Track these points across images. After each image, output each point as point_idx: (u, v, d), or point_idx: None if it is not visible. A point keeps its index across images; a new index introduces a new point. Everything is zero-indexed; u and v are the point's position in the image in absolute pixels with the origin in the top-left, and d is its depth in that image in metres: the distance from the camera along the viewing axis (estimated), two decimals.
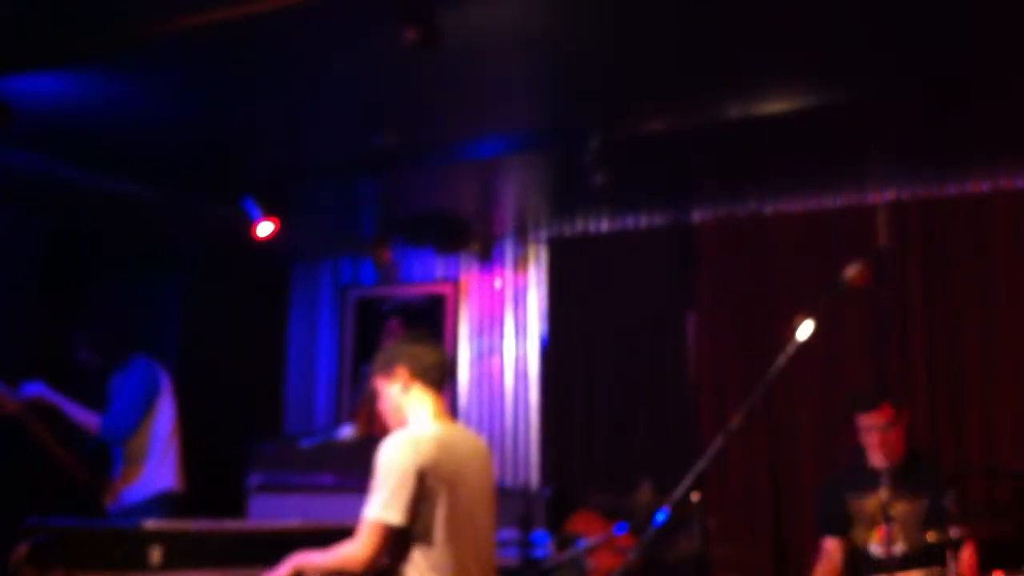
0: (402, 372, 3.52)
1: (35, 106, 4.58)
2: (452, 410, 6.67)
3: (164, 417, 5.16)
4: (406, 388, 3.52)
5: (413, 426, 3.48)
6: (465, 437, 3.65)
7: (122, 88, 4.59)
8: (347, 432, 3.80)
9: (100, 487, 5.10)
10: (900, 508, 4.35)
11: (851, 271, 3.39)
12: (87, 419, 5.09)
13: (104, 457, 5.16)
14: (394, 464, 3.28)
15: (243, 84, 4.54)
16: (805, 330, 3.24)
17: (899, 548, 4.32)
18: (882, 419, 4.53)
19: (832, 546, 4.56)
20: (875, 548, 4.40)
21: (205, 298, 6.21)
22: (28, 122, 4.55)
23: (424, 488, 3.28)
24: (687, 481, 3.14)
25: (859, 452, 4.63)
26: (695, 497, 3.18)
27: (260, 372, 6.98)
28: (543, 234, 6.78)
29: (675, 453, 5.67)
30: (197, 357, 5.62)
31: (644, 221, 6.47)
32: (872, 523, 4.43)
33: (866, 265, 3.39)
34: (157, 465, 5.11)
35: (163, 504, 5.02)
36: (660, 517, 3.23)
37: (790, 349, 3.23)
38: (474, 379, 6.89)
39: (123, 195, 5.58)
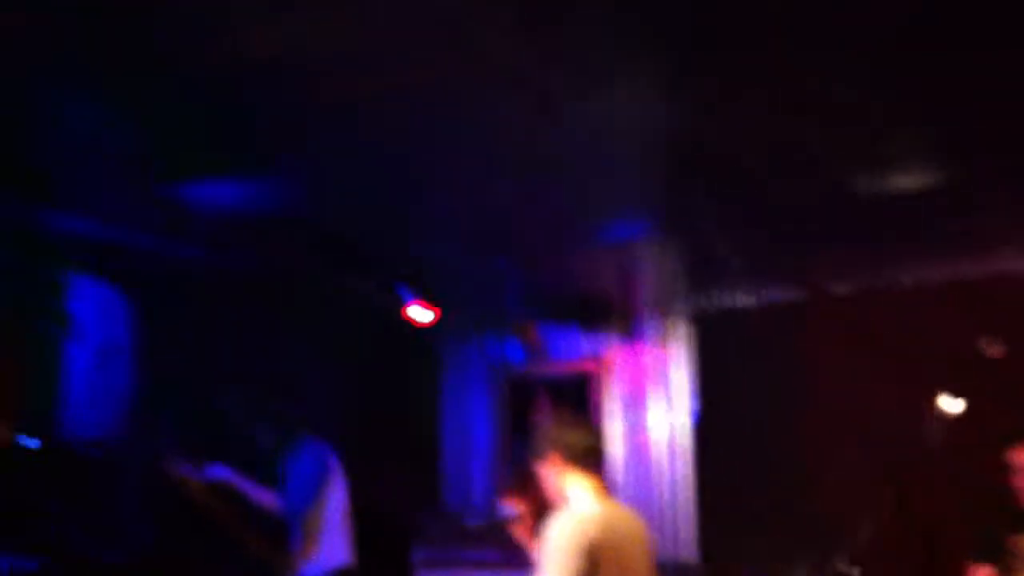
0: (554, 458, 3.64)
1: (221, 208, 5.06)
2: (608, 484, 6.84)
3: (337, 496, 5.45)
4: (560, 473, 3.63)
5: (575, 505, 3.58)
6: (625, 516, 3.74)
7: (289, 189, 5.00)
8: (510, 511, 3.99)
9: (281, 563, 5.41)
10: None
11: (990, 345, 3.48)
12: (268, 499, 5.42)
13: (282, 535, 5.44)
14: (562, 542, 3.39)
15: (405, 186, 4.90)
16: (953, 406, 3.35)
17: None
18: None
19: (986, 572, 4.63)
20: None
21: (364, 379, 6.51)
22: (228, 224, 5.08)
23: (591, 566, 3.36)
24: (844, 555, 3.25)
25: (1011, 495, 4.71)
26: (854, 573, 3.27)
27: (417, 450, 7.24)
28: (684, 308, 6.91)
29: (832, 527, 5.68)
30: (359, 435, 5.87)
31: (786, 295, 6.56)
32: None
33: (1005, 339, 3.48)
34: (332, 542, 5.38)
35: None
36: None
37: (939, 424, 3.34)
38: (626, 454, 7.00)
39: (289, 283, 6.01)
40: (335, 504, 5.43)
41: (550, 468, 3.66)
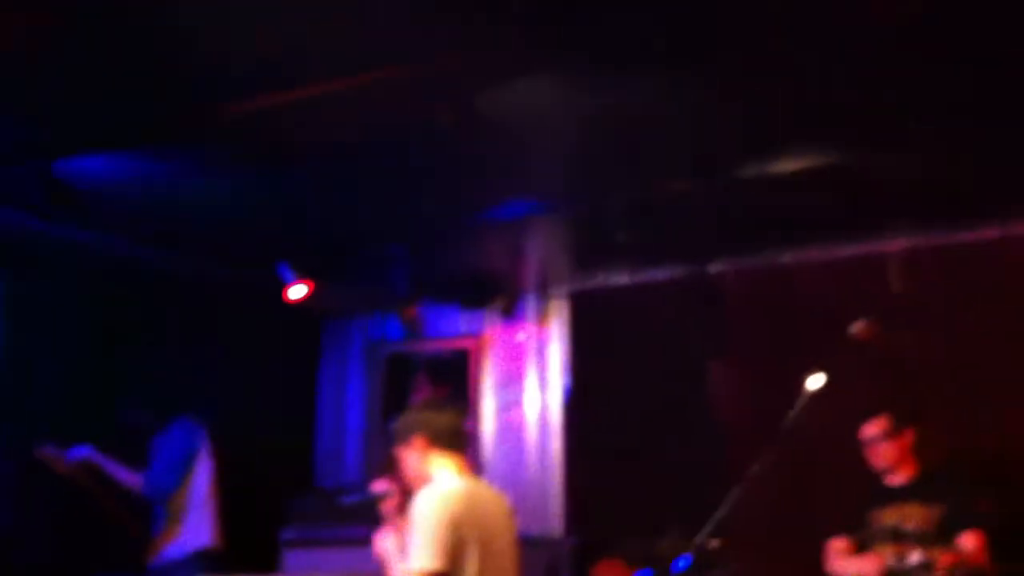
0: (419, 441, 3.70)
1: (90, 184, 4.85)
2: (476, 461, 6.86)
3: (203, 476, 5.41)
4: (424, 455, 3.70)
5: (440, 482, 3.64)
6: (489, 492, 3.83)
7: (172, 167, 4.86)
8: (382, 489, 3.97)
9: (145, 543, 5.33)
10: (915, 518, 4.57)
11: (857, 327, 3.57)
12: (130, 479, 5.38)
13: (146, 515, 5.40)
14: (431, 516, 3.45)
15: (287, 162, 4.80)
16: (816, 383, 3.41)
17: (915, 558, 4.45)
18: (878, 428, 4.88)
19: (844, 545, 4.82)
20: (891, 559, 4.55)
21: (239, 357, 6.40)
22: (83, 200, 4.83)
23: (457, 538, 3.44)
24: (708, 528, 3.29)
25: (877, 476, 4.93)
26: (716, 544, 3.33)
27: (292, 427, 7.16)
28: (565, 289, 6.96)
29: (700, 501, 5.78)
30: (231, 414, 5.79)
31: (664, 274, 6.64)
32: (888, 536, 4.61)
33: (872, 321, 3.56)
34: (196, 523, 5.34)
35: (201, 561, 5.25)
36: (682, 564, 3.37)
37: (803, 401, 3.39)
38: (498, 431, 7.05)
39: (168, 265, 5.90)
40: (201, 484, 5.38)
41: (415, 451, 3.71)
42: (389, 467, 3.98)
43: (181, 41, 3.54)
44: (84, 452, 5.29)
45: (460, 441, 3.77)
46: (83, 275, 5.82)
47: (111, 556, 5.32)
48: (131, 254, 5.82)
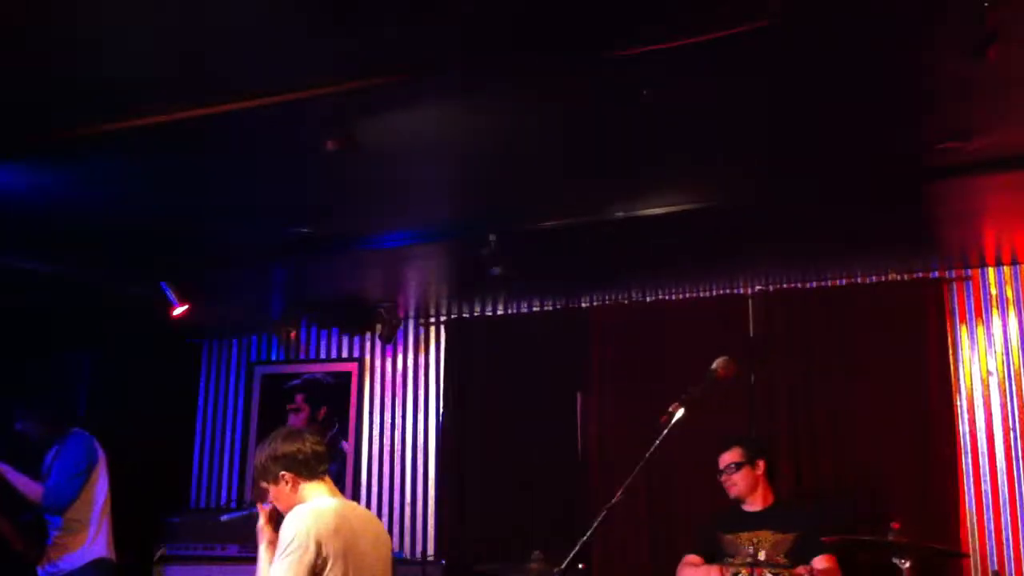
0: (287, 477, 3.74)
1: None
2: (356, 482, 7.00)
3: (100, 488, 5.42)
4: (295, 487, 3.74)
5: (311, 503, 3.71)
6: (360, 512, 3.95)
7: (50, 179, 4.80)
8: (257, 508, 4.06)
9: (36, 554, 5.29)
10: (769, 543, 4.91)
11: (718, 364, 3.84)
12: (29, 489, 5.34)
13: (40, 525, 5.36)
14: (296, 533, 3.52)
15: (168, 178, 4.79)
16: (677, 414, 3.67)
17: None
18: (732, 458, 5.22)
19: (695, 559, 5.12)
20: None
21: (118, 373, 6.40)
22: None
23: (323, 554, 3.51)
24: (573, 552, 3.50)
25: (734, 502, 5.25)
26: (582, 567, 3.55)
27: (170, 445, 7.17)
28: (442, 317, 7.15)
29: (565, 526, 6.03)
30: (111, 430, 5.80)
31: (538, 306, 6.92)
32: (740, 556, 4.92)
33: (730, 359, 3.85)
34: (93, 534, 5.36)
35: (98, 570, 5.31)
36: None
37: (665, 433, 3.64)
38: (375, 453, 7.19)
39: (48, 276, 5.81)
40: (98, 496, 5.40)
41: (284, 485, 3.74)
42: (263, 492, 4.06)
43: (65, 55, 3.56)
44: None
45: (323, 464, 3.81)
46: None
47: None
48: (16, 265, 5.75)
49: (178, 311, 6.04)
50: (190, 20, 3.34)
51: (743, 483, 5.21)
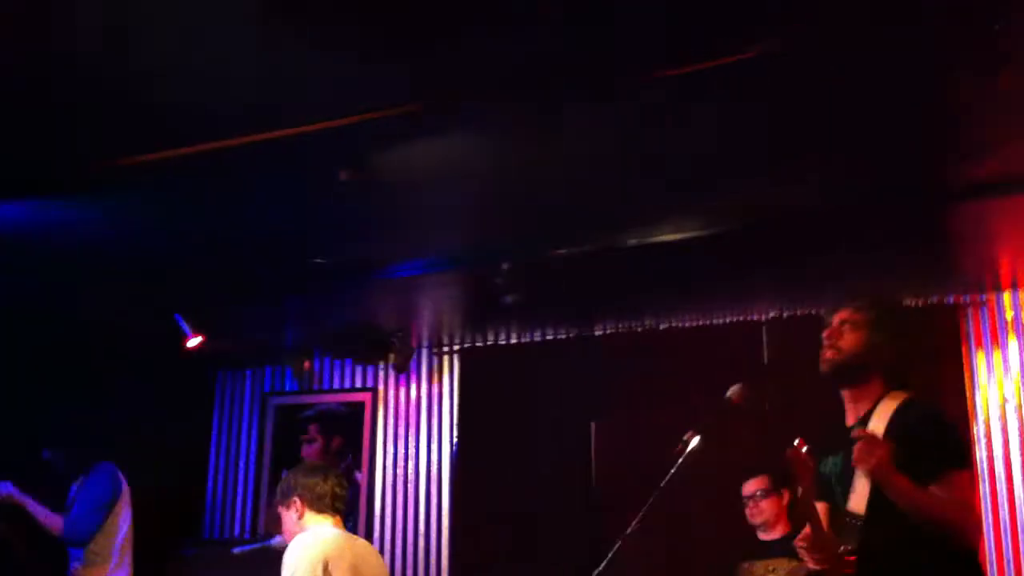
0: (296, 503, 3.95)
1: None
2: (369, 512, 6.98)
3: (123, 521, 5.43)
4: (301, 515, 3.94)
5: (314, 531, 3.89)
6: (360, 542, 4.09)
7: (69, 214, 4.85)
8: (278, 540, 4.12)
9: None
10: (784, 569, 4.86)
11: (733, 391, 3.82)
12: (50, 521, 5.35)
13: (55, 556, 5.37)
14: (300, 559, 3.68)
15: (179, 210, 4.83)
16: (692, 444, 3.65)
17: None
18: (760, 485, 5.16)
19: None
20: None
21: (133, 405, 6.41)
22: None
23: (331, 574, 3.66)
24: None
25: (750, 531, 5.22)
26: None
27: (184, 476, 7.17)
28: (456, 343, 7.14)
29: (580, 556, 5.98)
30: (126, 461, 5.80)
31: (552, 334, 6.91)
32: None
33: (746, 385, 3.83)
34: (113, 568, 5.35)
35: None
36: None
37: (680, 461, 3.62)
38: (389, 483, 7.17)
39: (73, 308, 5.89)
40: (121, 530, 5.39)
41: (294, 511, 3.96)
42: (276, 521, 4.15)
43: (80, 92, 3.60)
44: (5, 489, 5.25)
45: (337, 505, 3.99)
46: None
47: None
48: (37, 297, 5.82)
49: (192, 343, 6.06)
50: (200, 55, 3.38)
51: (770, 510, 5.19)
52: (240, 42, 3.33)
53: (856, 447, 3.14)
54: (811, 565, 3.33)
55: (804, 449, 3.30)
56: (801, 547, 3.30)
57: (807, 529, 3.48)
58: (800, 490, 3.24)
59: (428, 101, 3.72)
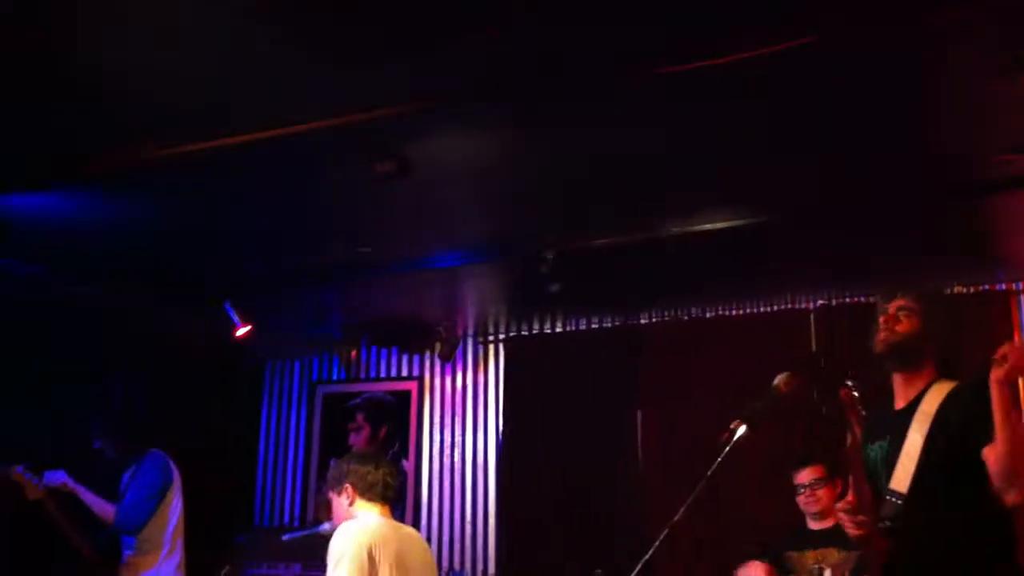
0: (348, 489, 4.00)
1: (32, 223, 4.91)
2: (416, 500, 7.03)
3: (174, 510, 5.50)
4: (352, 502, 3.99)
5: (360, 519, 3.94)
6: (405, 529, 4.14)
7: (114, 207, 4.90)
8: (327, 527, 4.16)
9: (109, 574, 5.38)
10: (834, 560, 4.84)
11: (780, 380, 3.79)
12: (103, 509, 5.43)
13: (116, 543, 5.46)
14: (345, 545, 3.73)
15: (223, 203, 4.88)
16: (739, 433, 3.63)
17: None
18: (816, 475, 5.09)
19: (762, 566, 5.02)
20: None
21: (184, 394, 6.49)
22: (29, 237, 4.94)
23: (373, 563, 3.71)
24: (635, 571, 3.47)
25: (801, 517, 5.14)
26: None
27: (234, 465, 7.28)
28: (501, 335, 7.17)
29: (627, 544, 6.00)
30: (177, 451, 5.88)
31: (596, 323, 6.91)
32: (804, 574, 4.86)
33: (793, 374, 3.80)
34: (165, 556, 5.43)
35: None
36: None
37: (727, 450, 3.61)
38: (436, 471, 7.23)
39: (117, 300, 5.95)
40: (173, 518, 5.47)
41: (344, 497, 4.01)
42: (325, 508, 4.21)
43: (107, 83, 3.63)
44: (59, 478, 5.33)
45: (387, 494, 4.04)
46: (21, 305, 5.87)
47: None
48: (75, 290, 5.87)
49: (241, 332, 6.13)
50: (236, 48, 3.41)
51: (826, 499, 5.13)
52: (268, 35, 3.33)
53: (1002, 348, 3.21)
54: (849, 530, 3.36)
55: (856, 393, 3.33)
56: (842, 511, 3.34)
57: (850, 495, 3.51)
58: (849, 438, 3.25)
59: (465, 92, 3.72)
